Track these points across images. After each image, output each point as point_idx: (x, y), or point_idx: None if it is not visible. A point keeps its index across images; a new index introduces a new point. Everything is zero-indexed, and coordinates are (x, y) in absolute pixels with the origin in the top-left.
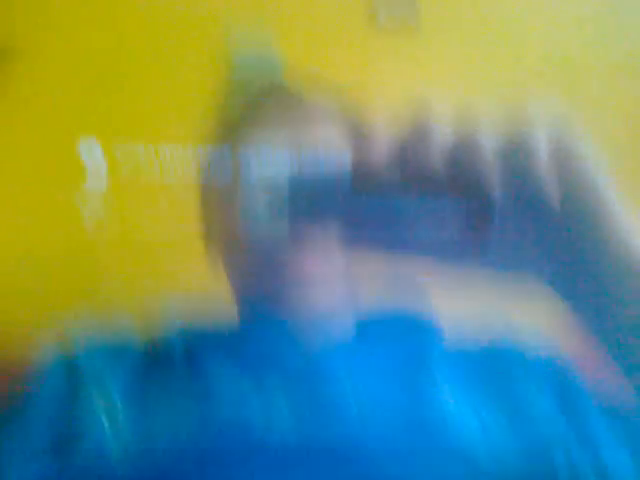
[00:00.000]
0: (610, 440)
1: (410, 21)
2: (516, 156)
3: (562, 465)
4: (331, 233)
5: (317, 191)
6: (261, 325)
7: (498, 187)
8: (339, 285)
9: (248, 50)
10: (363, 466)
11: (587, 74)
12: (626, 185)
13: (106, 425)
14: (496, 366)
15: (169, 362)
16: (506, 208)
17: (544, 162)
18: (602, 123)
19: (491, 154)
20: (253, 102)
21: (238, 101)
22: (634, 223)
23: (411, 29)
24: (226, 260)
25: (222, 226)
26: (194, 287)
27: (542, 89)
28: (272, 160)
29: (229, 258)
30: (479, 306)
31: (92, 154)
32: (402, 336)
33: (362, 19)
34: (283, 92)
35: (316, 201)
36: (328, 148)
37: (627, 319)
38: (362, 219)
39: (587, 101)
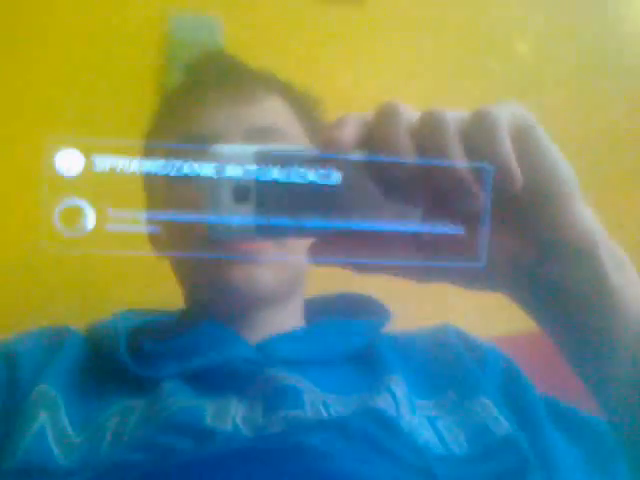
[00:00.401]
0: (554, 430)
1: None
2: (479, 130)
3: (510, 453)
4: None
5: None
6: (208, 323)
7: (461, 163)
8: (290, 274)
9: (186, 13)
10: (320, 460)
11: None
12: (581, 181)
13: (46, 417)
14: (442, 353)
15: (111, 353)
16: (470, 187)
17: (505, 137)
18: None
19: (455, 129)
20: (192, 66)
21: (177, 64)
22: (587, 209)
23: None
24: (176, 258)
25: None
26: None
27: (494, 66)
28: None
29: (178, 261)
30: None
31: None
32: (350, 320)
33: None
34: (223, 58)
35: (282, 186)
36: (277, 124)
37: (581, 307)
38: (326, 204)
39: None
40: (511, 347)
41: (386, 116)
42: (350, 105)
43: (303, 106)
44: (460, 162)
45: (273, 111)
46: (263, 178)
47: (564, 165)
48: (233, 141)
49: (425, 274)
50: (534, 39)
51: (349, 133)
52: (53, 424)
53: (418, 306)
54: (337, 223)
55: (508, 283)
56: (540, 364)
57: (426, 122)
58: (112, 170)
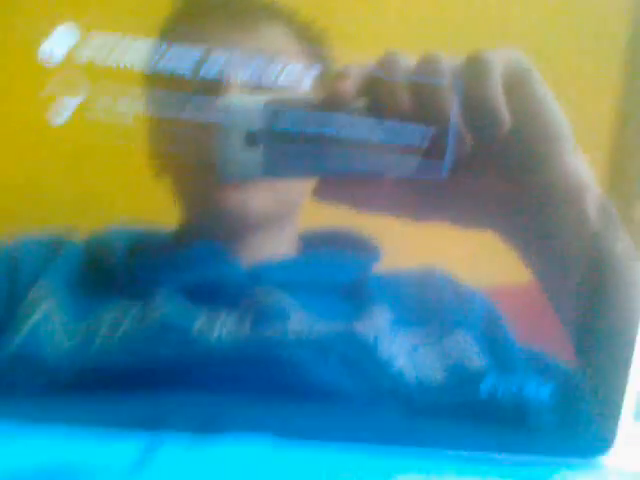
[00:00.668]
0: (529, 373)
1: None
2: (472, 76)
3: (485, 395)
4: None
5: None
6: (203, 242)
7: (455, 107)
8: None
9: None
10: (297, 374)
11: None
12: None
13: (39, 317)
14: (428, 292)
15: (108, 262)
16: (461, 133)
17: (497, 80)
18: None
19: (450, 72)
20: None
21: None
22: (580, 157)
23: None
24: (177, 185)
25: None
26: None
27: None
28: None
29: (181, 183)
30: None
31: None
32: (342, 254)
33: None
34: None
35: (289, 133)
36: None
37: (565, 250)
38: (330, 149)
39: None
40: (496, 297)
41: (386, 64)
42: (357, 45)
43: (308, 35)
44: (451, 105)
45: (276, 40)
46: (271, 125)
47: (557, 111)
48: (234, 72)
49: (420, 213)
50: None
51: (350, 85)
52: (47, 321)
53: (409, 249)
54: (339, 165)
55: (497, 223)
56: (524, 316)
57: (423, 67)
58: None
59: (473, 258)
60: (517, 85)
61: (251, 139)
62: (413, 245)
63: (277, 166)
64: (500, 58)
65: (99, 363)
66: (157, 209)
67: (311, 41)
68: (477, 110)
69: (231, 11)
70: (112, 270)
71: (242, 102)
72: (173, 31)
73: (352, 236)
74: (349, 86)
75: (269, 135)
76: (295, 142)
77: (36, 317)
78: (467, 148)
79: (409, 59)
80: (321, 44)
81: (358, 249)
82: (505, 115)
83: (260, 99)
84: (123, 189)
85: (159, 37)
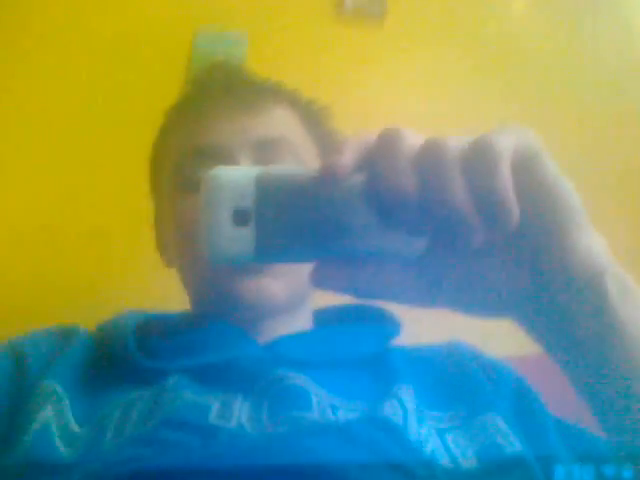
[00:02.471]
0: (563, 451)
1: (376, 11)
2: (479, 162)
3: (518, 471)
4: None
5: (284, 199)
6: (216, 326)
7: (461, 194)
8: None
9: (212, 29)
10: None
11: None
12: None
13: (50, 412)
14: (453, 368)
15: (117, 347)
16: (469, 220)
17: (507, 169)
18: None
19: (456, 159)
20: (199, 78)
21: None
22: (596, 239)
23: (377, 19)
24: (183, 273)
25: (181, 238)
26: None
27: (506, 88)
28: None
29: (186, 272)
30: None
31: None
32: (360, 326)
33: (328, 8)
34: (230, 69)
35: (283, 211)
36: (285, 134)
37: (583, 335)
38: (327, 229)
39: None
40: (521, 368)
41: (387, 142)
42: (366, 122)
43: (310, 115)
44: (459, 194)
45: (281, 121)
46: (263, 202)
47: (570, 195)
48: (240, 152)
49: (428, 302)
50: (551, 61)
51: (348, 158)
52: (57, 418)
53: (427, 322)
54: (337, 248)
55: (513, 310)
56: (550, 386)
57: (427, 151)
58: None
59: (496, 328)
60: (526, 169)
61: (241, 217)
62: (434, 317)
63: (270, 248)
64: (508, 141)
65: (108, 469)
66: (166, 297)
67: (314, 119)
68: (485, 201)
69: (237, 93)
70: (122, 356)
71: (230, 175)
72: (181, 112)
73: (370, 309)
74: (346, 160)
75: (261, 213)
76: (290, 221)
77: (44, 415)
78: (475, 236)
79: (413, 137)
80: (324, 122)
81: (377, 322)
82: (515, 208)
83: (251, 172)
84: (132, 278)
85: (167, 119)
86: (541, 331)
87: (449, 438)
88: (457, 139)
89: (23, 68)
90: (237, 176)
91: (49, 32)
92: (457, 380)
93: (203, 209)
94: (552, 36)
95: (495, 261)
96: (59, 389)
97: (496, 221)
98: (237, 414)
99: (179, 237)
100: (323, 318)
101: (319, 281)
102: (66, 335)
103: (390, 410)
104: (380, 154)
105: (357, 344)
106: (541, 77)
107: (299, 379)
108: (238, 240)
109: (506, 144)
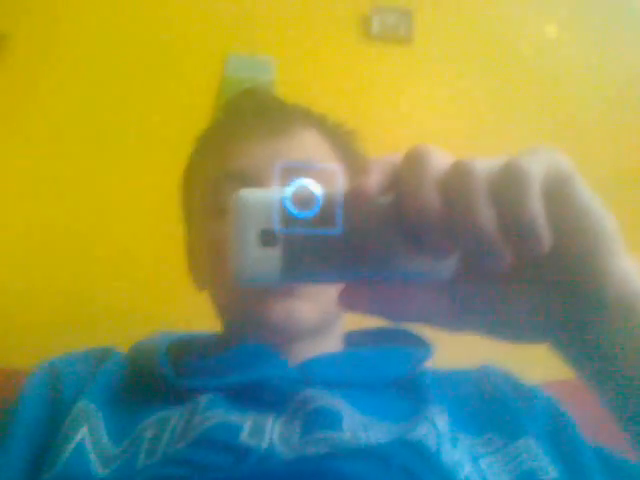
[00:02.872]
0: (599, 477)
1: (403, 33)
2: (509, 186)
3: None
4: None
5: (311, 224)
6: (247, 346)
7: (489, 218)
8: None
9: (242, 53)
10: None
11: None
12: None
13: (86, 431)
14: (486, 392)
15: (151, 366)
16: (496, 244)
17: (538, 195)
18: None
19: (484, 182)
20: (228, 103)
21: (224, 98)
22: (632, 263)
23: (404, 41)
24: (214, 296)
25: (212, 261)
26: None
27: (533, 107)
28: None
29: (217, 295)
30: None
31: None
32: (392, 349)
33: (356, 27)
34: (258, 94)
35: (309, 237)
36: (314, 158)
37: (620, 361)
38: (354, 251)
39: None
40: (556, 392)
41: (414, 162)
42: (394, 143)
43: (339, 138)
44: (486, 218)
45: (309, 145)
46: (290, 223)
47: (604, 219)
48: (271, 177)
49: (459, 325)
50: (580, 82)
51: (375, 179)
52: (93, 437)
53: (459, 344)
54: (365, 270)
55: (546, 336)
56: (586, 411)
57: (454, 173)
58: None
59: (530, 352)
60: (558, 193)
61: (267, 238)
62: (466, 339)
63: (296, 270)
64: (539, 165)
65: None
66: (198, 319)
67: (342, 142)
68: (514, 226)
69: (267, 118)
70: (155, 376)
71: (257, 196)
72: (212, 138)
73: (402, 332)
74: (373, 181)
75: (287, 234)
76: (317, 242)
77: (80, 435)
78: (502, 260)
79: (441, 157)
80: (352, 145)
81: (409, 345)
82: (546, 233)
83: (277, 193)
84: (164, 300)
85: (198, 144)
86: (576, 356)
87: (483, 463)
88: (486, 161)
89: (60, 96)
90: (264, 197)
91: (81, 55)
92: (491, 404)
93: (230, 230)
94: (581, 58)
95: (527, 285)
96: (94, 409)
97: (526, 246)
98: (269, 434)
99: (210, 260)
100: (354, 341)
101: (347, 303)
102: (101, 356)
103: (423, 433)
104: (406, 174)
105: (389, 366)
106: (570, 98)
107: (330, 400)
108: (265, 261)
109: (537, 167)
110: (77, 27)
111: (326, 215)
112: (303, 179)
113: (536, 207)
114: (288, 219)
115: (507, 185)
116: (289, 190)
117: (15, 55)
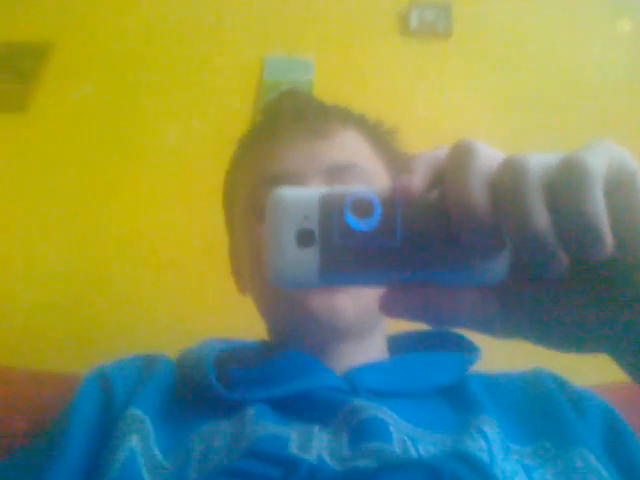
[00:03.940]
0: None
1: (442, 29)
2: (568, 184)
3: None
4: (366, 270)
5: (351, 226)
6: (293, 352)
7: (544, 219)
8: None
9: (280, 54)
10: None
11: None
12: None
13: (136, 441)
14: (537, 398)
15: (199, 380)
16: (550, 247)
17: (600, 194)
18: None
19: (539, 181)
20: (267, 107)
21: (263, 101)
22: None
23: (443, 37)
24: (257, 298)
25: (254, 264)
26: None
27: (577, 102)
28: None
29: (260, 296)
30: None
31: None
32: (439, 354)
33: (394, 24)
34: (297, 96)
35: (351, 237)
36: (355, 158)
37: None
38: (396, 252)
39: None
40: (611, 397)
41: (460, 157)
42: (434, 140)
43: (379, 137)
44: (542, 220)
45: (350, 145)
46: (328, 223)
47: None
48: (312, 178)
49: (508, 332)
50: (620, 90)
51: (420, 176)
52: (143, 447)
53: (506, 347)
54: (409, 272)
55: (601, 346)
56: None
57: (506, 170)
58: None
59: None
60: (620, 192)
61: (305, 238)
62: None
63: (336, 271)
64: (601, 161)
65: None
66: (242, 325)
67: (382, 141)
68: (573, 227)
69: (306, 120)
70: (202, 387)
71: (294, 195)
72: (252, 142)
73: (448, 335)
74: (418, 178)
75: (326, 234)
76: (357, 242)
77: (131, 443)
78: (556, 265)
79: (489, 152)
80: (392, 143)
81: (455, 349)
82: (608, 236)
83: (316, 192)
84: (209, 306)
85: (239, 149)
86: (633, 363)
87: (537, 475)
88: (541, 156)
89: (102, 102)
90: (301, 196)
91: (123, 63)
92: (542, 411)
93: (267, 229)
94: (621, 66)
95: (582, 292)
96: (144, 417)
97: (586, 250)
98: (316, 445)
99: (252, 263)
100: (398, 345)
101: (388, 308)
102: (150, 363)
103: (474, 444)
104: (453, 168)
105: (437, 374)
106: (609, 100)
107: (378, 410)
108: (302, 262)
109: (599, 164)
110: (118, 35)
111: (385, 227)
112: (357, 186)
113: (599, 208)
114: (348, 232)
115: (566, 184)
116: (326, 189)
117: (59, 62)
